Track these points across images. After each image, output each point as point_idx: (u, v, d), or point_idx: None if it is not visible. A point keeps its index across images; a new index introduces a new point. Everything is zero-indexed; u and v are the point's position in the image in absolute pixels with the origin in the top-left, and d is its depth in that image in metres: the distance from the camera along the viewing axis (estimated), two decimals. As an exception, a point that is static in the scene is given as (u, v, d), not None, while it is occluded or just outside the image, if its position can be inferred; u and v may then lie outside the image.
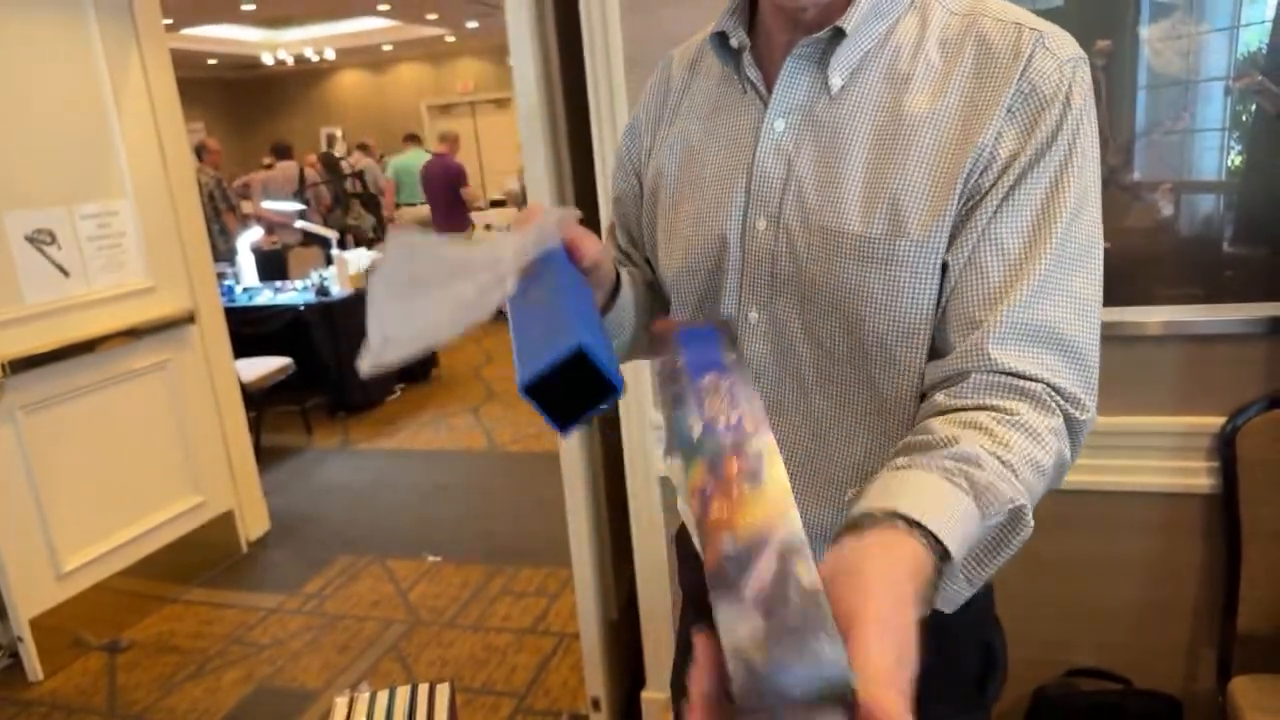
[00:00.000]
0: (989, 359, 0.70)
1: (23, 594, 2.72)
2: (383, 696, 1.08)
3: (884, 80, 0.78)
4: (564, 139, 1.99)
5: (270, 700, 2.58)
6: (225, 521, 3.47)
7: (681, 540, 1.08)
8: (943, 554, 0.55)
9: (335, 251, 5.25)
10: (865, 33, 0.78)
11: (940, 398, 0.72)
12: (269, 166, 8.08)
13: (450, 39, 12.15)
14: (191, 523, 3.32)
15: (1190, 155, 1.55)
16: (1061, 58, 0.74)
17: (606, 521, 2.20)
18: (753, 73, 0.84)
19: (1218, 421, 1.58)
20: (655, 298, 1.00)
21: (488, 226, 8.18)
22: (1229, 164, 1.53)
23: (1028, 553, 0.68)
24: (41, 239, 2.80)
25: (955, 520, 0.57)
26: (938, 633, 0.74)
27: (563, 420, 0.60)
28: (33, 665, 2.74)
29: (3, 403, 2.66)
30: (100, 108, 2.99)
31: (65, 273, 2.87)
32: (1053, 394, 0.70)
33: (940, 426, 0.68)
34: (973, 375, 0.71)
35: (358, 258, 5.45)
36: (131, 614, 3.07)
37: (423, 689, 1.10)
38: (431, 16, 10.40)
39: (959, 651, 0.88)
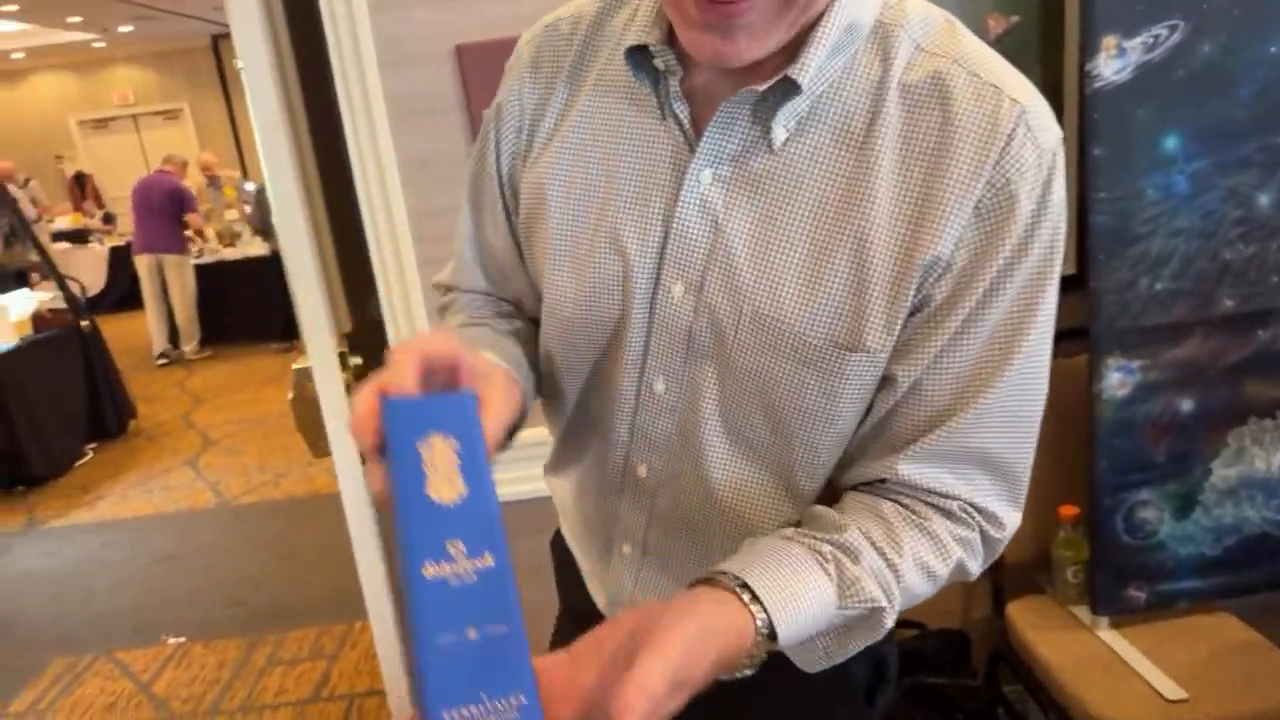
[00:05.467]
0: (909, 481, 0.66)
1: None
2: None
3: (834, 138, 0.63)
4: (308, 149, 1.78)
5: None
6: (-121, 648, 2.76)
7: (557, 546, 0.98)
8: (771, 633, 0.57)
9: (-12, 297, 4.38)
10: (820, 77, 0.62)
11: (853, 491, 0.70)
12: None
13: (100, 44, 10.70)
14: None
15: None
16: (1043, 145, 0.60)
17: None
18: (680, 107, 0.67)
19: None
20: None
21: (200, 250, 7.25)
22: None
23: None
24: None
25: (801, 604, 0.58)
26: None
27: None
28: None
29: None
30: None
31: None
32: (970, 511, 0.67)
33: (839, 511, 0.67)
34: (889, 483, 0.67)
35: (19, 301, 4.59)
36: None
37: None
38: (74, 19, 9.08)
39: (850, 665, 0.84)
